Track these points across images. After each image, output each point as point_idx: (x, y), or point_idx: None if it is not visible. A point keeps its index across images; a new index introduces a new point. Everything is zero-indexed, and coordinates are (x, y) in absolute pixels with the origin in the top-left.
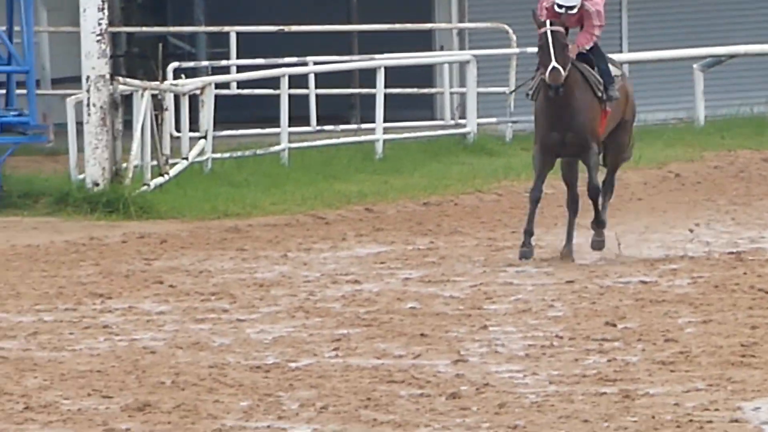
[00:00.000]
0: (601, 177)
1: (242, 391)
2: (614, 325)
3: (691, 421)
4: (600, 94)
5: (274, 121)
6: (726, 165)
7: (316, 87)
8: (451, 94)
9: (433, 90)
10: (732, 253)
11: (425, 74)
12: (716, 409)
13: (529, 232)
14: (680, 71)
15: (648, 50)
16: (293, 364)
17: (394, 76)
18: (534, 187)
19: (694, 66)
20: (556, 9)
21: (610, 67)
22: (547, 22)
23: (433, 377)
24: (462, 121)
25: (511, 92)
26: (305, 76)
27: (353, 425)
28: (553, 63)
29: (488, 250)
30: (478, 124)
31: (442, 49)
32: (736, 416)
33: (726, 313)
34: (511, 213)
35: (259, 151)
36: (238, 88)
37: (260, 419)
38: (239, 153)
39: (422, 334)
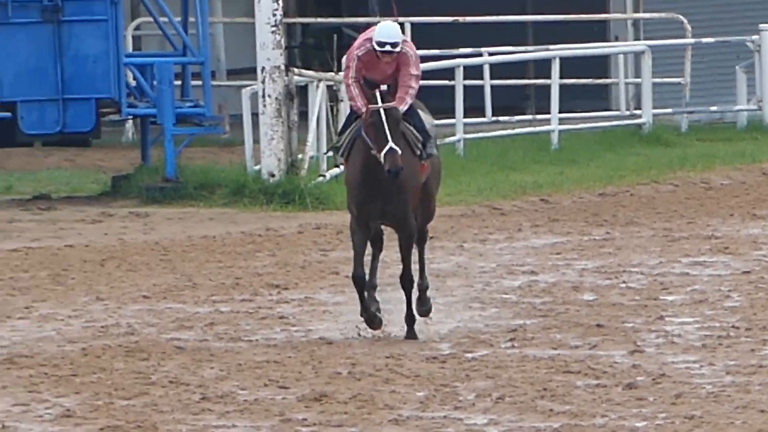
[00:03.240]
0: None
1: (418, 381)
2: None
3: None
4: (419, 152)
5: (449, 112)
6: None
7: (491, 78)
8: (626, 84)
9: (608, 80)
10: None
11: (600, 65)
12: None
13: (370, 319)
14: None
15: None
16: (469, 355)
17: (569, 66)
18: (356, 270)
19: None
20: (377, 48)
21: (423, 115)
22: (378, 96)
23: (610, 368)
24: (637, 112)
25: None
26: (480, 66)
27: (529, 415)
28: (390, 144)
29: (664, 240)
30: (654, 115)
31: (616, 39)
32: None
33: None
34: (686, 203)
35: None
36: None
37: (436, 409)
38: None
39: (598, 325)
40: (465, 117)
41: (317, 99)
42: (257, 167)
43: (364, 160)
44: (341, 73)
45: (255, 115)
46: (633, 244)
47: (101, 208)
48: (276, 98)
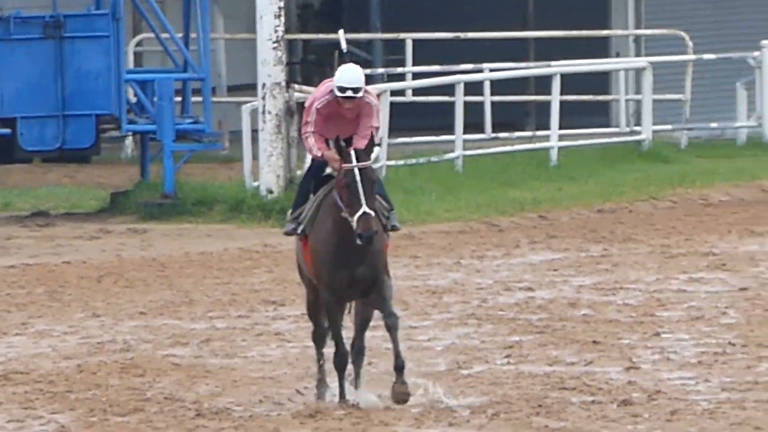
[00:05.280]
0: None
1: (414, 397)
2: None
3: None
4: (384, 222)
5: (449, 129)
6: None
7: (491, 94)
8: (627, 101)
9: (608, 97)
10: None
11: (601, 81)
12: None
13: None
14: None
15: None
16: (465, 371)
17: (570, 83)
18: (338, 352)
19: None
20: (338, 93)
21: None
22: (352, 155)
23: (605, 384)
24: (637, 128)
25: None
26: (480, 83)
27: None
28: (364, 208)
29: (662, 257)
30: (654, 131)
31: (618, 55)
32: None
33: None
34: (685, 220)
35: (433, 159)
36: (413, 95)
37: (431, 426)
38: (414, 160)
39: (594, 341)
40: (464, 133)
41: None
42: (256, 183)
43: (335, 223)
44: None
45: (255, 132)
46: (630, 261)
47: (99, 224)
48: (276, 114)
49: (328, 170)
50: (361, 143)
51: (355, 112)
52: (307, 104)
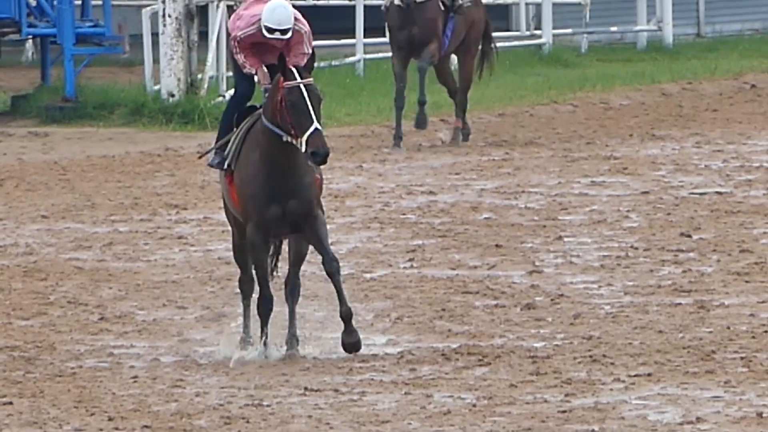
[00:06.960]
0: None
1: (317, 302)
2: (689, 236)
3: (766, 331)
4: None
5: (350, 32)
6: None
7: None
8: (527, 5)
9: (508, 1)
10: None
11: None
12: None
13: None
14: None
15: None
16: (368, 275)
17: None
18: (263, 297)
19: None
20: (266, 34)
21: None
22: (295, 73)
23: (508, 288)
24: (537, 32)
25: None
26: None
27: (428, 336)
28: (316, 124)
29: (563, 161)
30: (554, 35)
31: None
32: None
33: None
34: (586, 124)
35: (334, 62)
36: None
37: (335, 330)
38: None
39: (497, 245)
40: (365, 37)
41: (217, 19)
42: (157, 87)
43: (267, 153)
44: None
45: (155, 35)
46: (532, 165)
47: (0, 127)
48: (176, 18)
49: (261, 96)
50: (300, 61)
51: (284, 42)
52: (230, 26)
